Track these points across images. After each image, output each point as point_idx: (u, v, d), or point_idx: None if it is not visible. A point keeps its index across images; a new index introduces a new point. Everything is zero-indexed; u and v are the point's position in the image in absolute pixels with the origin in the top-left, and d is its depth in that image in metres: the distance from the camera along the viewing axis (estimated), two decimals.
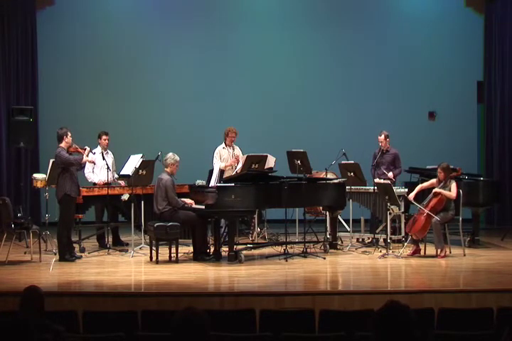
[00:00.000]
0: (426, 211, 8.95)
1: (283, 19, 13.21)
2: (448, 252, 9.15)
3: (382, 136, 10.28)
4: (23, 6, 12.50)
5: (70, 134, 8.87)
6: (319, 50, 13.26)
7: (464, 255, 9.18)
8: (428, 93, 13.20)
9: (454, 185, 9.09)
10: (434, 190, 9.07)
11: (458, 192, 9.17)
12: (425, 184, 9.39)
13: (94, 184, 10.05)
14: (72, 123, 10.50)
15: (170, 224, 8.72)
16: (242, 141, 10.76)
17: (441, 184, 9.12)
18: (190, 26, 12.98)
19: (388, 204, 9.18)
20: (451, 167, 9.36)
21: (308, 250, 9.28)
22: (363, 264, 8.74)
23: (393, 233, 9.86)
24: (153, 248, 8.86)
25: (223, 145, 10.35)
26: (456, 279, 8.02)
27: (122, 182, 10.11)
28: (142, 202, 9.63)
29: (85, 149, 8.93)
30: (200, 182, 9.79)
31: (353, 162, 10.09)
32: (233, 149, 10.35)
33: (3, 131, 12.07)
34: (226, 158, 10.22)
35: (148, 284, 7.60)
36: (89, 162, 9.20)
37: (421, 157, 11.51)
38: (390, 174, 10.01)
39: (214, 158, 10.27)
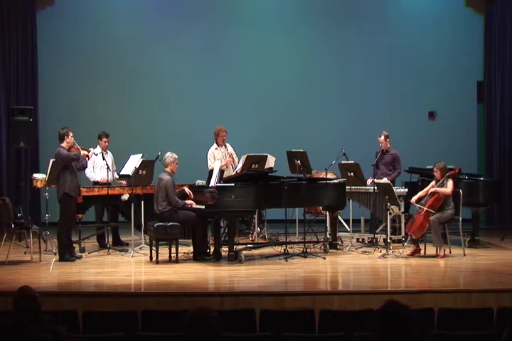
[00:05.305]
0: (424, 208, 8.96)
1: (283, 19, 13.20)
2: (448, 252, 9.16)
3: (382, 137, 10.26)
4: (23, 6, 12.49)
5: (71, 134, 8.88)
6: (319, 50, 13.24)
7: (464, 255, 9.18)
8: (428, 93, 13.19)
9: (450, 183, 9.10)
10: (430, 190, 9.08)
11: (457, 192, 9.18)
12: (426, 188, 9.25)
13: (95, 183, 10.04)
14: (72, 123, 10.48)
15: (170, 224, 8.72)
16: (242, 141, 10.76)
17: (439, 183, 9.12)
18: (190, 26, 12.98)
19: (388, 204, 9.19)
20: (450, 166, 9.36)
21: (308, 250, 9.27)
22: (363, 264, 8.74)
23: (393, 233, 9.86)
24: (153, 248, 8.86)
25: (215, 145, 10.28)
26: (456, 279, 8.03)
27: (123, 182, 10.08)
28: (142, 202, 9.64)
29: (89, 151, 8.96)
30: (200, 182, 9.78)
31: (353, 162, 10.09)
32: (226, 148, 10.32)
33: (3, 131, 12.07)
34: (220, 158, 10.13)
35: (148, 284, 7.60)
36: (87, 156, 9.02)
37: (421, 157, 11.49)
38: (385, 179, 9.94)
39: (208, 160, 10.21)
